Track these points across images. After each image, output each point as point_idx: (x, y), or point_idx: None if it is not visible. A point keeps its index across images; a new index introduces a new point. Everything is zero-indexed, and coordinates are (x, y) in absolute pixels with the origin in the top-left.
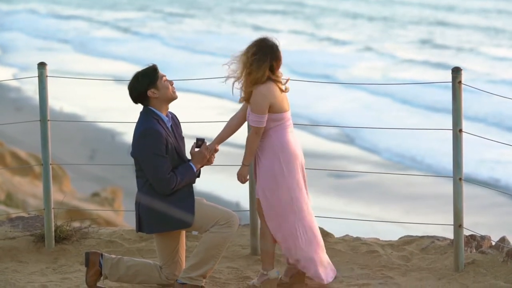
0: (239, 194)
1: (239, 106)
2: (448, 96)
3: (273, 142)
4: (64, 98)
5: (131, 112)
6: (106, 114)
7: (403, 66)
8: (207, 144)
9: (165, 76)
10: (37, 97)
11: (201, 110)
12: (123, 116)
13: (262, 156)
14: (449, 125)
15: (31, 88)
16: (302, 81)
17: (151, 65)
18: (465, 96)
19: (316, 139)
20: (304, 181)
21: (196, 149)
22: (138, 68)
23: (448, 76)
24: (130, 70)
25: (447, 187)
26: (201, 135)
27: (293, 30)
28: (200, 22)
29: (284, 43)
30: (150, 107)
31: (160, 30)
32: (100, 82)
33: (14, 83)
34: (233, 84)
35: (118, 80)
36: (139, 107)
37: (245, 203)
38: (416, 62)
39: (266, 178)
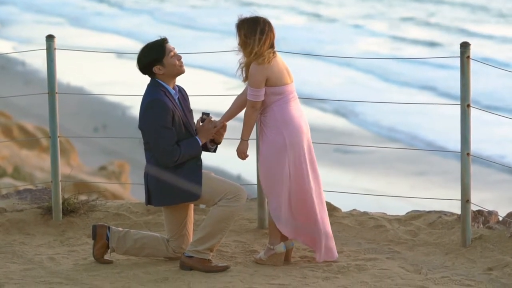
0: (240, 167)
1: (239, 80)
2: (433, 73)
3: (276, 116)
4: (69, 72)
5: (137, 85)
6: (111, 88)
7: (394, 43)
8: (213, 119)
9: (173, 50)
10: (44, 70)
11: (204, 85)
12: (128, 89)
13: (266, 130)
14: (439, 101)
15: (36, 62)
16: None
17: (160, 38)
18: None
19: (316, 114)
20: (312, 157)
21: (201, 124)
22: (136, 43)
23: (438, 52)
24: (128, 44)
25: (450, 163)
26: (207, 109)
27: (284, 6)
28: None
29: (274, 19)
30: (157, 80)
31: (151, 5)
32: (102, 56)
33: (18, 56)
34: (241, 69)
35: (121, 53)
36: (145, 81)
37: (246, 176)
38: (404, 39)
39: (268, 152)
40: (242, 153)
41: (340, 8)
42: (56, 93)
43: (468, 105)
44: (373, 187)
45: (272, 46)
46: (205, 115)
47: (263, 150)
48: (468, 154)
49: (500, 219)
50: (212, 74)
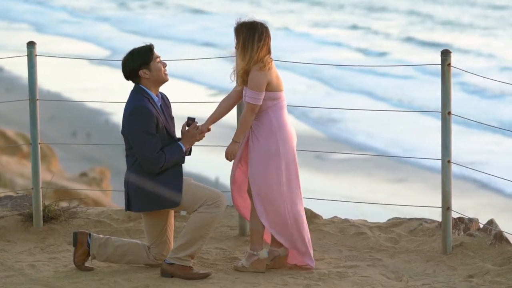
0: (218, 171)
1: (212, 89)
2: (374, 81)
3: (271, 120)
4: (45, 78)
5: (115, 91)
6: (86, 93)
7: (339, 51)
8: (198, 124)
9: (159, 57)
10: (24, 76)
11: (183, 93)
12: (104, 95)
13: (259, 135)
14: (385, 107)
15: (14, 68)
16: None
17: (148, 44)
18: (418, 83)
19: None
20: (296, 164)
21: (186, 128)
22: (102, 50)
23: (384, 61)
24: (94, 51)
25: (427, 170)
26: (192, 115)
27: (232, 13)
28: (142, 3)
29: (224, 27)
30: (141, 86)
31: (111, 13)
32: (75, 62)
33: None
34: (235, 74)
35: (101, 60)
36: (121, 87)
37: (225, 180)
38: (350, 47)
39: (260, 158)
40: (232, 154)
41: (289, 15)
42: (37, 99)
43: (449, 113)
44: (353, 194)
45: (269, 51)
46: (191, 120)
47: (254, 156)
48: (449, 161)
49: (481, 226)
50: (178, 81)
